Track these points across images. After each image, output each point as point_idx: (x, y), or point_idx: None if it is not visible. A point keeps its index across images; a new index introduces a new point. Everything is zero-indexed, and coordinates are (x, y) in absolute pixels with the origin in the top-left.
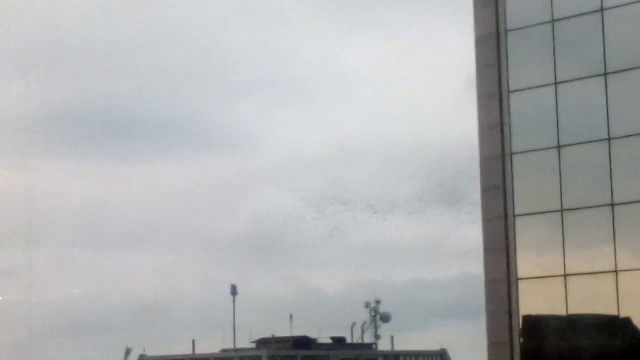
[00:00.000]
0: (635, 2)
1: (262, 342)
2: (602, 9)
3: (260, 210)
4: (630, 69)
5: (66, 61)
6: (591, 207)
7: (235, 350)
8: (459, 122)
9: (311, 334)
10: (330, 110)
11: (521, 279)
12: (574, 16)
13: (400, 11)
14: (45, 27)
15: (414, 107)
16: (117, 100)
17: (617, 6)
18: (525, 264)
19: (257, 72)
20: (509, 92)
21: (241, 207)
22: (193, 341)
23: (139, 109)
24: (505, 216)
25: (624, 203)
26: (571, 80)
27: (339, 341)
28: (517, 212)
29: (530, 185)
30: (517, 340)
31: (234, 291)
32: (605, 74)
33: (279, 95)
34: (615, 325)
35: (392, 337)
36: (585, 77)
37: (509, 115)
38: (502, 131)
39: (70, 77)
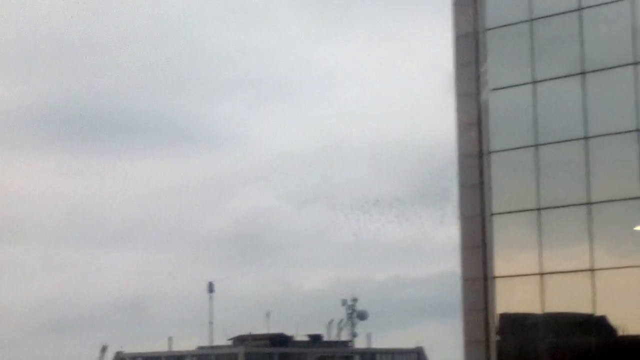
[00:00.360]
0: (612, 2)
1: (239, 340)
2: (580, 8)
3: (243, 208)
4: (608, 68)
5: (50, 59)
6: (568, 206)
7: (212, 347)
8: (440, 121)
9: (288, 331)
10: (314, 108)
11: (498, 277)
12: (552, 15)
13: (383, 11)
14: (27, 25)
15: (396, 106)
16: (101, 98)
17: (595, 5)
18: (502, 262)
19: (242, 70)
20: (487, 90)
21: (224, 205)
22: (170, 338)
23: (123, 107)
24: (483, 214)
25: (601, 202)
26: (549, 79)
27: (315, 339)
28: (494, 210)
29: (507, 184)
30: (494, 339)
31: (211, 289)
32: (583, 73)
33: (263, 94)
34: (591, 323)
35: (369, 335)
36: (563, 76)
37: (487, 113)
38: (480, 130)
39: (54, 75)
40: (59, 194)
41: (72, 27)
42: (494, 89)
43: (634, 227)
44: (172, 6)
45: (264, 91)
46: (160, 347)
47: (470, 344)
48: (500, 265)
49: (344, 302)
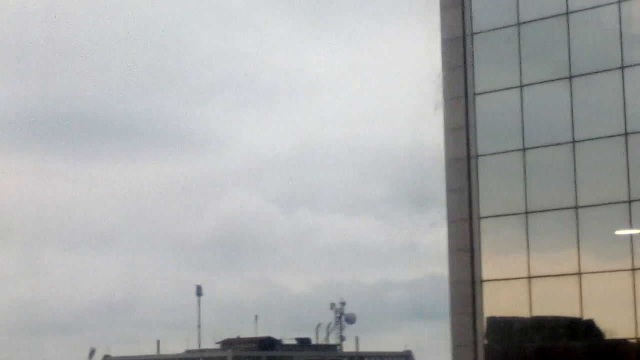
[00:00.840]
0: (599, 7)
1: (227, 343)
2: (567, 13)
3: (228, 211)
4: (595, 72)
5: (32, 62)
6: (555, 209)
7: (200, 351)
8: (427, 125)
9: (276, 335)
10: (299, 112)
11: (485, 280)
12: (540, 19)
13: (367, 14)
14: (10, 28)
15: (381, 110)
16: (83, 101)
17: (582, 10)
18: (490, 265)
19: (224, 74)
20: (474, 94)
21: (208, 208)
22: (158, 342)
23: (106, 109)
24: (470, 218)
25: (588, 206)
26: (536, 83)
27: (303, 342)
28: (482, 214)
29: (495, 188)
30: (481, 342)
31: (199, 292)
32: (570, 77)
33: (246, 97)
34: (579, 327)
35: (357, 339)
36: (551, 80)
37: (474, 117)
38: (467, 133)
39: (37, 77)
40: (41, 197)
41: (53, 30)
42: (482, 93)
43: (621, 231)
44: (156, 10)
45: (247, 95)
46: (148, 350)
47: (458, 347)
48: (488, 269)
49: (332, 306)
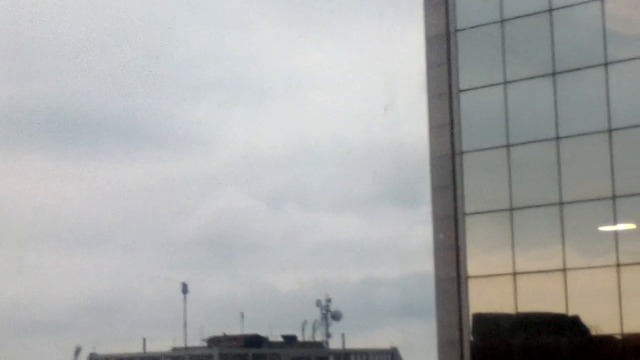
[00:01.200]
0: (583, 3)
1: (213, 341)
2: (550, 9)
3: (216, 209)
4: (579, 69)
5: (27, 61)
6: (540, 206)
7: (186, 348)
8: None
9: (262, 332)
10: (286, 110)
11: (471, 277)
12: (523, 16)
13: (354, 13)
14: (5, 26)
15: (367, 107)
16: (71, 100)
17: (565, 6)
18: (475, 262)
19: (213, 73)
20: (458, 91)
21: (197, 207)
22: (144, 340)
23: (94, 109)
24: (455, 215)
25: (573, 202)
26: (520, 80)
27: (290, 340)
28: (466, 210)
29: (479, 184)
30: (467, 339)
31: (185, 290)
32: (554, 74)
33: (234, 96)
34: (564, 323)
35: (343, 336)
36: (534, 77)
37: (458, 114)
38: (452, 130)
39: (24, 77)
40: (31, 196)
41: (41, 29)
42: (466, 90)
43: (606, 227)
44: (144, 8)
45: (236, 93)
46: (134, 348)
47: (444, 344)
48: (474, 265)
49: (318, 303)
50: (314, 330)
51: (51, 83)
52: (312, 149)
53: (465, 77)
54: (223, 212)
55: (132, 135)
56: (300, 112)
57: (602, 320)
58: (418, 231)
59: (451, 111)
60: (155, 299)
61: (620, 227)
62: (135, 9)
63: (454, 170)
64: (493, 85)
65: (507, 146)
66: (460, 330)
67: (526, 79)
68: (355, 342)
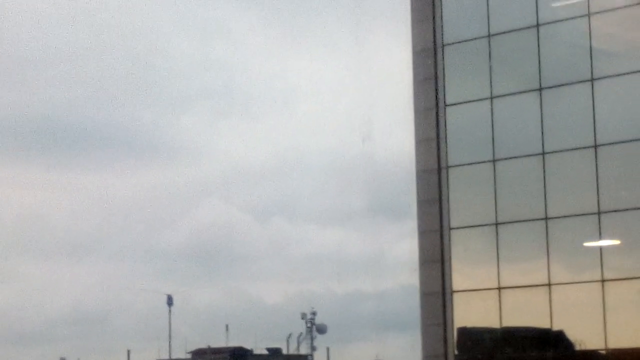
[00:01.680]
0: (569, 19)
1: (199, 353)
2: (537, 25)
3: (203, 221)
4: (564, 85)
5: (9, 70)
6: (525, 221)
7: None
8: (399, 136)
9: (247, 345)
10: (274, 122)
11: (456, 291)
12: (510, 31)
13: (343, 26)
14: None
15: (355, 120)
16: (58, 110)
17: (551, 22)
18: (460, 276)
19: (202, 83)
20: (445, 105)
21: (183, 218)
22: (128, 352)
23: (82, 118)
24: (441, 229)
25: (558, 217)
26: (506, 95)
27: (274, 352)
28: (452, 225)
29: (465, 199)
30: (452, 353)
31: (170, 302)
32: (540, 89)
33: (222, 107)
34: (549, 337)
35: (328, 349)
36: (521, 92)
37: (445, 128)
38: (438, 144)
39: (11, 85)
40: (18, 206)
41: (29, 37)
42: (453, 104)
43: (591, 242)
44: (132, 18)
45: (224, 104)
46: (119, 359)
47: (429, 358)
48: (459, 279)
49: (303, 316)
50: (299, 343)
51: (38, 92)
52: (300, 161)
53: (452, 91)
54: (210, 224)
55: (119, 146)
56: (289, 123)
57: (586, 335)
58: (404, 245)
59: (437, 125)
60: (140, 311)
61: (605, 242)
62: (123, 19)
63: (439, 184)
64: (479, 100)
65: (493, 161)
66: (445, 344)
67: (512, 94)
68: (340, 356)
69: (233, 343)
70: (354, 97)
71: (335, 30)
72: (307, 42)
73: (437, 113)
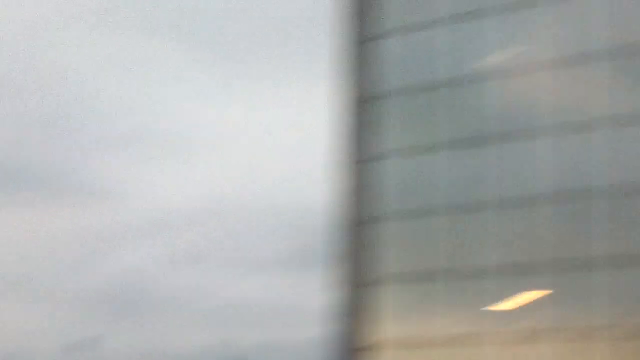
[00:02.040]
0: (507, 72)
1: None
2: (475, 78)
3: (120, 266)
4: (495, 138)
5: None
6: (451, 273)
7: None
8: (326, 187)
9: None
10: (202, 167)
11: (379, 346)
12: (443, 84)
13: (278, 73)
14: None
15: (284, 169)
16: None
17: (485, 75)
18: (386, 330)
19: (128, 125)
20: (375, 157)
21: (100, 263)
22: None
23: (8, 157)
24: (366, 281)
25: (484, 270)
26: (438, 147)
27: None
28: (378, 277)
29: (391, 251)
30: None
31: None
32: (471, 143)
33: (150, 150)
34: None
35: None
36: (452, 145)
37: (373, 180)
38: (363, 196)
39: None
40: None
41: None
42: (382, 156)
43: (515, 295)
44: (59, 53)
45: (151, 147)
46: None
47: None
48: (384, 333)
49: None
50: None
51: None
52: (225, 207)
53: (382, 142)
54: (128, 269)
55: (40, 186)
56: (217, 168)
57: None
58: (326, 296)
59: (365, 176)
60: (53, 357)
61: (533, 294)
62: (51, 54)
63: (363, 235)
64: (410, 151)
65: (421, 213)
66: None
67: (444, 146)
68: None
69: None
70: (286, 145)
71: (271, 76)
72: (241, 87)
73: (365, 164)
